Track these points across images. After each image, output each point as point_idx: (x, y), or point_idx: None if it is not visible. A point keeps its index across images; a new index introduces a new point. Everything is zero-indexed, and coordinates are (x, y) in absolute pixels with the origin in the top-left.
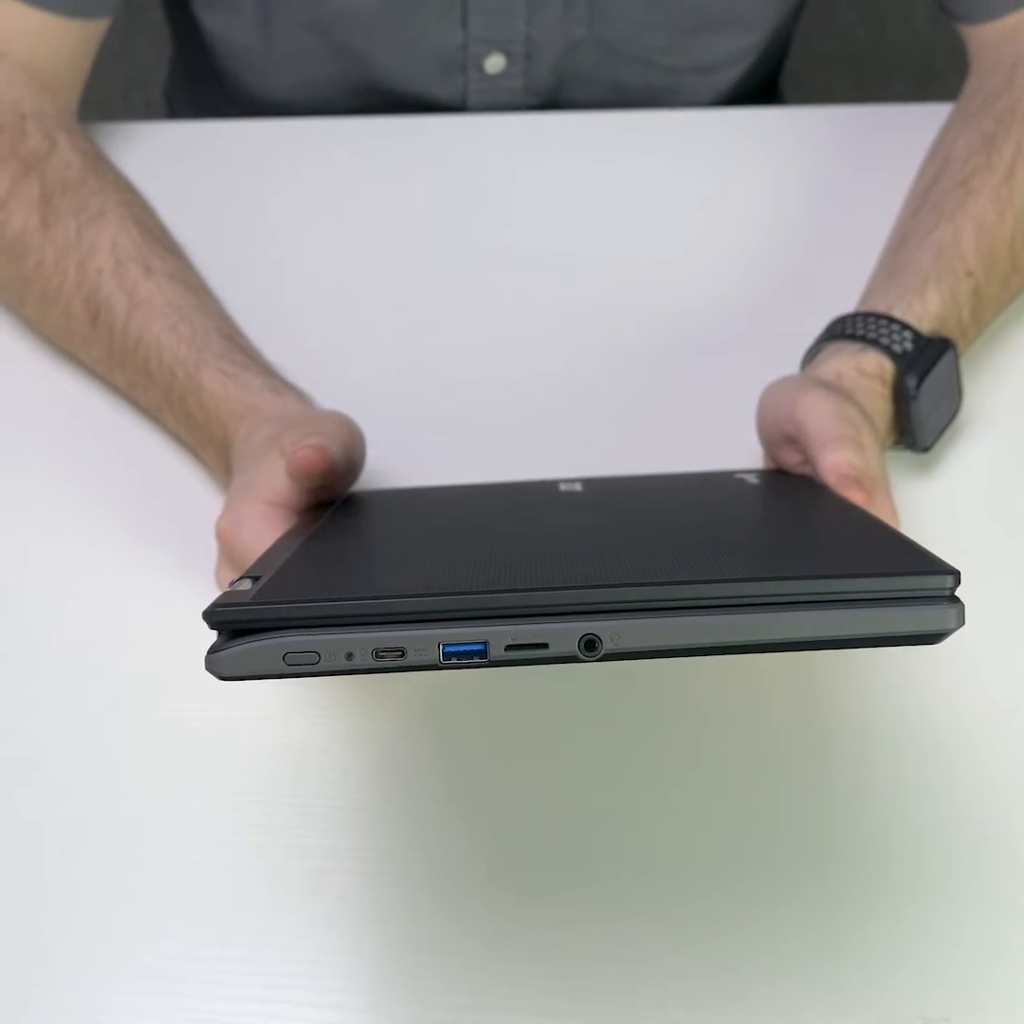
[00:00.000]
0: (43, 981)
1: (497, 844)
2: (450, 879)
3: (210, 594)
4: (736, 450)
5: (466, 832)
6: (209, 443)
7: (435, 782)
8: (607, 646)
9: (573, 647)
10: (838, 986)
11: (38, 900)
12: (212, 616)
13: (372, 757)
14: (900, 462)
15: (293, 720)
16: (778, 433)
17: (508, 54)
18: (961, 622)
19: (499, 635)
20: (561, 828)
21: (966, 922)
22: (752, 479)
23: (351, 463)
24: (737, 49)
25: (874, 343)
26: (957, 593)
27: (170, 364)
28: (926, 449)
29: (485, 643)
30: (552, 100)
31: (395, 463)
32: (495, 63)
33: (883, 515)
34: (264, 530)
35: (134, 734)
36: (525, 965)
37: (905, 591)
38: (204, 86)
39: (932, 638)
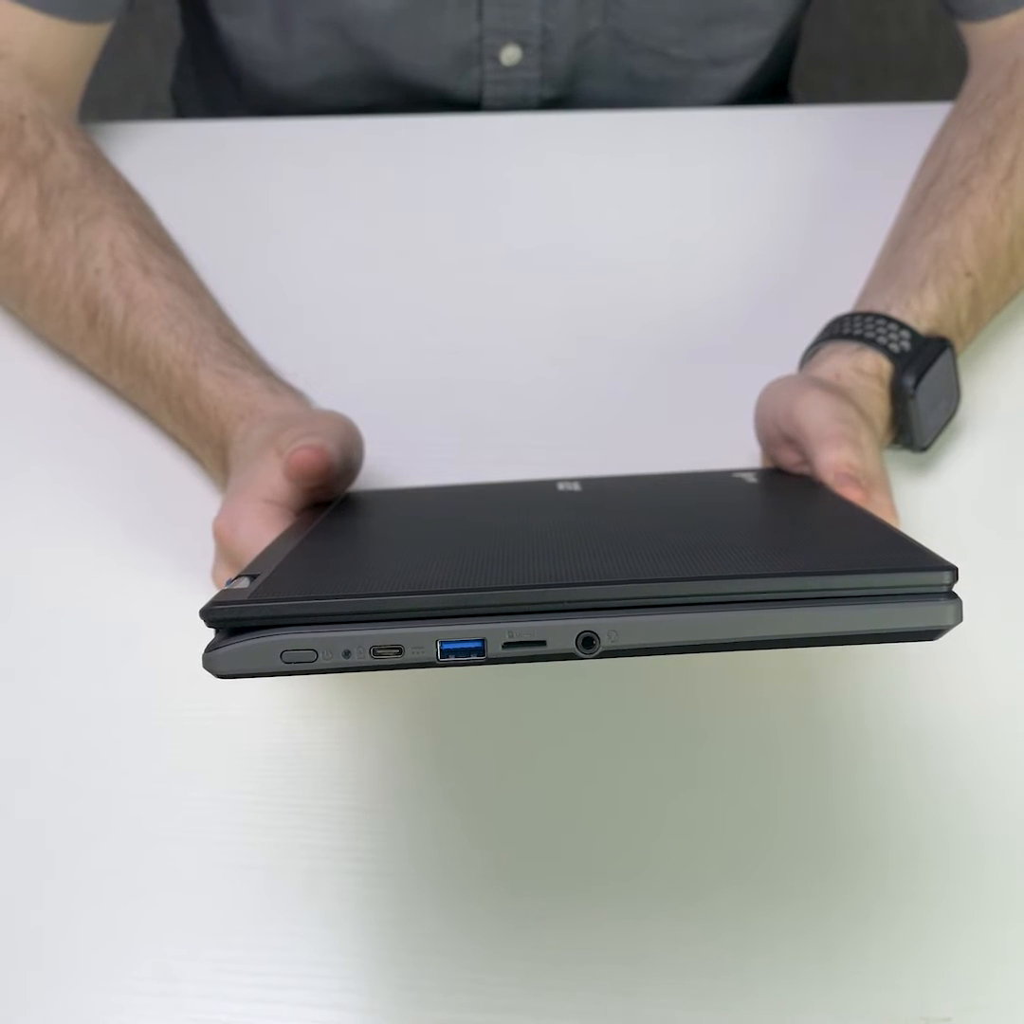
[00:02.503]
0: (43, 981)
1: (495, 844)
2: (448, 879)
3: (208, 594)
4: (735, 450)
5: (464, 832)
6: (207, 443)
7: (433, 782)
8: (605, 643)
9: (571, 644)
10: (837, 986)
11: (38, 900)
12: (209, 614)
13: (370, 757)
14: (898, 462)
15: (291, 720)
16: (776, 433)
17: (524, 45)
18: (959, 618)
19: (497, 632)
20: (559, 828)
21: (965, 922)
22: (750, 478)
23: (349, 463)
24: (751, 42)
25: (872, 343)
26: (955, 589)
27: (168, 365)
28: (924, 449)
29: (483, 640)
30: (568, 92)
31: (394, 463)
32: (511, 55)
33: (882, 514)
34: (261, 529)
35: (134, 734)
36: (525, 964)
37: (903, 587)
38: (216, 83)
39: (930, 634)
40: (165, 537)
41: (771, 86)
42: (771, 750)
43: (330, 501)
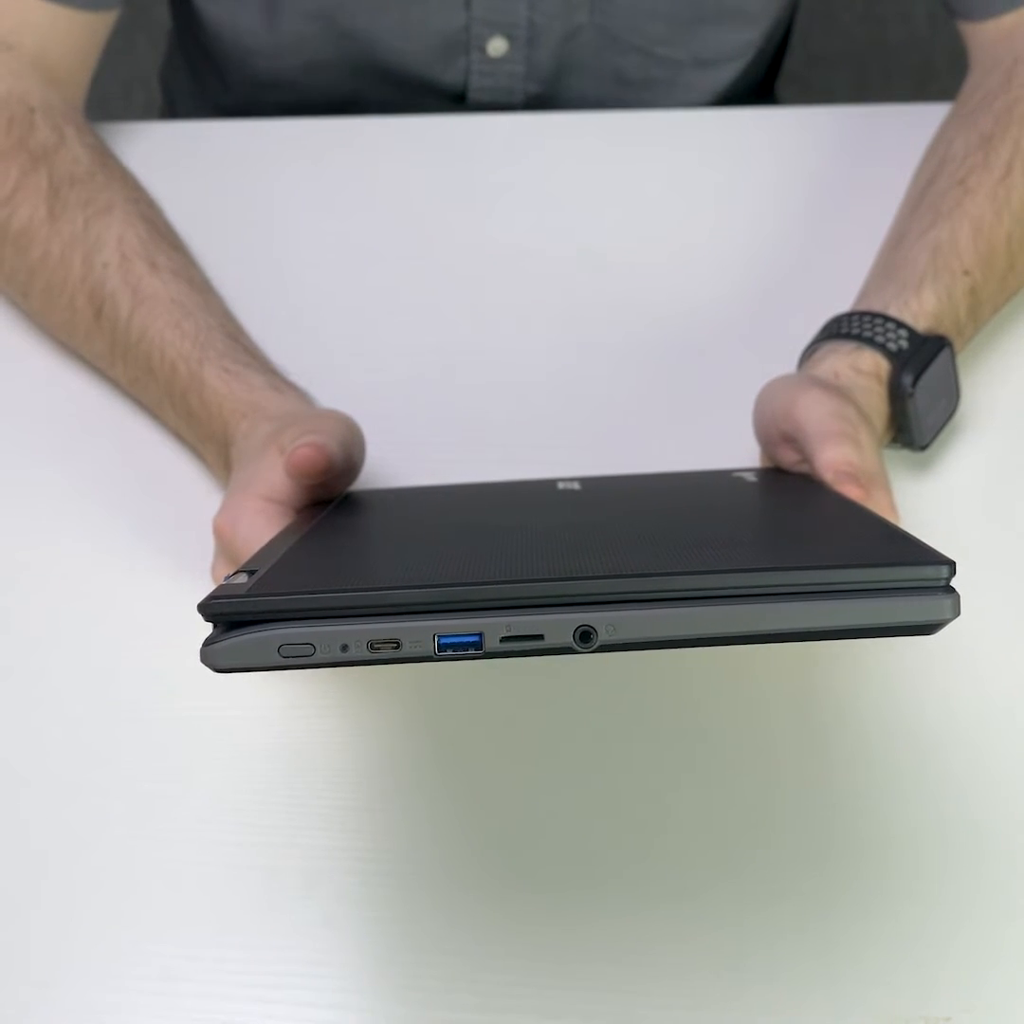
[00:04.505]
0: (43, 981)
1: (495, 843)
2: (447, 878)
3: (208, 592)
4: (734, 449)
5: (463, 831)
6: (209, 440)
7: (432, 781)
8: (603, 637)
9: (568, 638)
10: (837, 985)
11: (38, 900)
12: (207, 608)
13: (369, 756)
14: (898, 460)
15: (291, 720)
16: (776, 432)
17: (510, 37)
18: (957, 612)
19: (494, 626)
20: (559, 827)
21: (965, 921)
22: (750, 477)
23: (350, 462)
24: (736, 43)
25: (870, 342)
26: (952, 583)
27: (173, 360)
28: (924, 447)
29: (480, 634)
30: (553, 89)
31: (395, 463)
32: (497, 46)
33: (882, 512)
34: (261, 527)
35: (134, 734)
36: (524, 963)
37: (900, 581)
38: (202, 70)
39: (928, 628)
40: (165, 537)
41: (756, 89)
42: (770, 748)
43: (331, 499)
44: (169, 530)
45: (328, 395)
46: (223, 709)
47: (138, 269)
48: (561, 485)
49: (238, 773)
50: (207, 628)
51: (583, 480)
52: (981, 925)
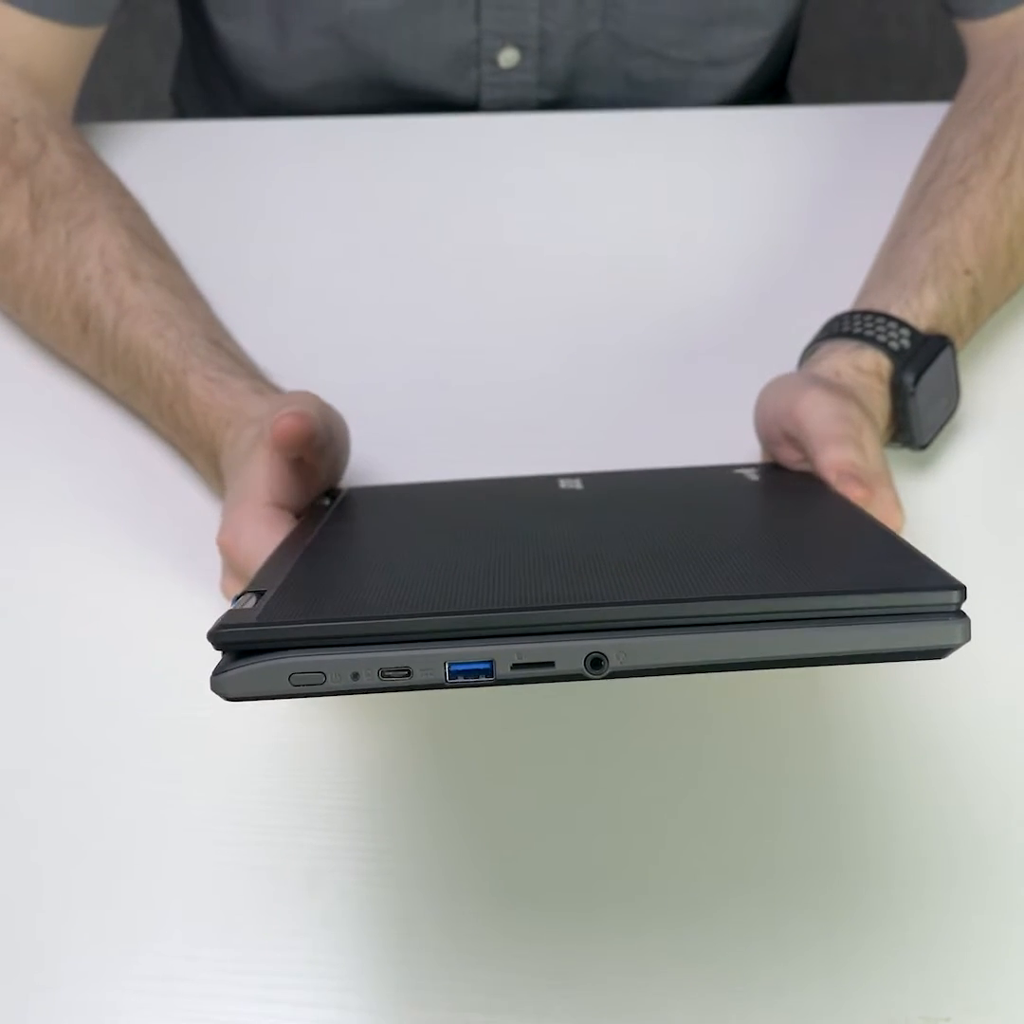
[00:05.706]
0: (43, 981)
1: (496, 844)
2: (449, 879)
3: (208, 594)
4: (735, 449)
5: (465, 832)
6: (198, 449)
7: (434, 782)
8: (613, 664)
9: (579, 665)
10: (838, 986)
11: (38, 900)
12: (217, 637)
13: (371, 757)
14: (897, 460)
15: (292, 720)
16: (777, 431)
17: (521, 48)
18: (967, 637)
19: (505, 654)
20: (561, 828)
21: (967, 923)
22: (752, 475)
23: (331, 434)
24: (749, 43)
25: (871, 341)
26: (963, 608)
27: (158, 371)
28: (923, 447)
29: (491, 662)
30: (565, 94)
31: (393, 464)
32: (509, 57)
33: (886, 508)
34: (263, 534)
35: (133, 734)
36: (526, 964)
37: (911, 607)
38: (215, 85)
39: (937, 653)
40: (164, 537)
41: (769, 85)
42: (774, 757)
43: (328, 495)
44: (169, 531)
45: (327, 396)
46: (224, 709)
47: (120, 280)
48: (563, 484)
49: (239, 773)
50: (208, 624)
51: (584, 477)
52: (982, 925)
